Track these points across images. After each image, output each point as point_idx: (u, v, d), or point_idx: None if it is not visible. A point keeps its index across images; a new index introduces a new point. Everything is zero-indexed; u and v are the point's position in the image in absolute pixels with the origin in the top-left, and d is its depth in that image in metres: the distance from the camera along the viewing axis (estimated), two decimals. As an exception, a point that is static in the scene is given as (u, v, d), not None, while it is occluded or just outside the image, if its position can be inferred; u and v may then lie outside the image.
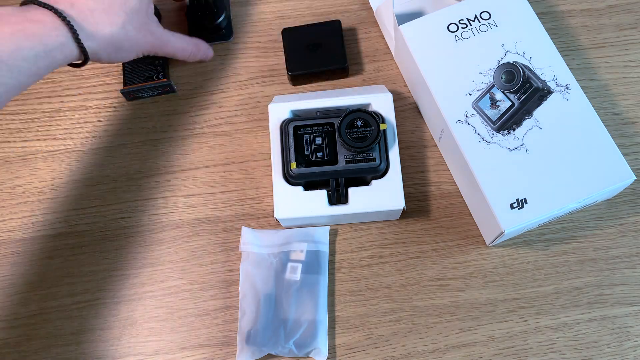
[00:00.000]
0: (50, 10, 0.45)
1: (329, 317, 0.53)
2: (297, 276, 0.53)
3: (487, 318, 0.52)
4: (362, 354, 0.52)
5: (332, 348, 0.52)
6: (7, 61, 0.42)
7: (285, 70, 0.60)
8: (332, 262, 0.55)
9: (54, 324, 0.54)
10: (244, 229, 0.55)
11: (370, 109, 0.55)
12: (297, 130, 0.54)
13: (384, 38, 0.62)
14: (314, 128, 0.53)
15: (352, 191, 0.53)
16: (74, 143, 0.60)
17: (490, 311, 0.52)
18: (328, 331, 0.52)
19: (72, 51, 0.46)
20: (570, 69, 0.59)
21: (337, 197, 0.52)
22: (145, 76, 0.60)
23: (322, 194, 0.53)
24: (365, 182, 0.53)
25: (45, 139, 0.60)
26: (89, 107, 0.61)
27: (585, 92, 0.58)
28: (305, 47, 0.59)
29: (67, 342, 0.53)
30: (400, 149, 0.55)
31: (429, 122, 0.57)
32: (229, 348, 0.52)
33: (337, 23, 0.60)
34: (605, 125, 0.57)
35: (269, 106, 0.56)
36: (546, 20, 0.61)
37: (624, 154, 0.56)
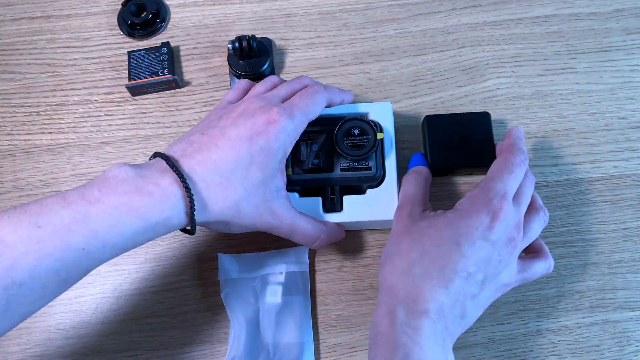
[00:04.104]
0: (177, 178, 0.41)
1: (330, 316, 0.53)
2: (278, 299, 0.52)
3: (488, 320, 0.52)
4: (362, 354, 0.52)
5: (333, 347, 0.52)
6: (102, 237, 0.38)
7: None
8: (334, 260, 0.54)
9: (55, 318, 0.54)
10: (220, 256, 0.54)
11: (368, 118, 0.54)
12: None
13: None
14: (311, 135, 0.53)
15: (347, 199, 0.52)
16: (78, 137, 0.60)
17: (491, 313, 0.52)
18: (329, 330, 0.52)
19: (179, 223, 0.41)
20: (576, 72, 0.59)
21: (332, 205, 0.52)
22: (151, 71, 0.60)
23: (317, 201, 0.52)
24: (361, 191, 0.53)
25: (50, 132, 0.60)
26: (94, 102, 0.61)
27: (591, 96, 0.58)
28: (450, 139, 0.54)
29: (67, 336, 0.53)
30: (408, 148, 0.55)
31: None
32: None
33: (486, 116, 0.55)
34: (611, 129, 0.57)
35: None
36: (553, 23, 0.61)
37: (629, 158, 0.56)
